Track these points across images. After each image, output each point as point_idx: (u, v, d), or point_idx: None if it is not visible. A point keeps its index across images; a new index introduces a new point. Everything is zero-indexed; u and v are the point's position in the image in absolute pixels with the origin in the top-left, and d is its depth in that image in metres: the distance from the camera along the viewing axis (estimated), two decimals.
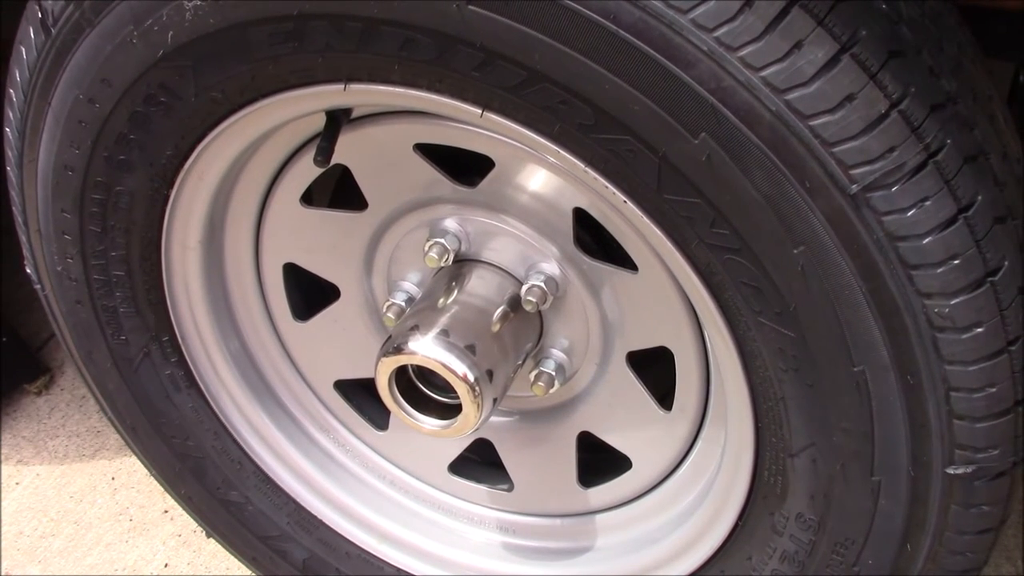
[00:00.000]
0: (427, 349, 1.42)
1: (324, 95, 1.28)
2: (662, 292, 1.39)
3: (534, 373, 1.55)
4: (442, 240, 1.49)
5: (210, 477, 1.83)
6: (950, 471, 1.18)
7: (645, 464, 1.60)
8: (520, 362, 1.53)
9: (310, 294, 1.74)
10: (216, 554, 2.23)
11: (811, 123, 1.01)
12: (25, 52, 1.37)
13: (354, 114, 1.39)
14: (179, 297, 1.65)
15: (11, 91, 1.43)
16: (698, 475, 1.55)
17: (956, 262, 1.06)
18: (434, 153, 1.43)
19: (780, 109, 1.00)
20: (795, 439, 1.25)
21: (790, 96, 1.00)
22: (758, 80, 1.00)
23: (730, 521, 1.44)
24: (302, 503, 1.85)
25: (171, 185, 1.45)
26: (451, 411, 1.49)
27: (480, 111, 1.18)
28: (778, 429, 1.27)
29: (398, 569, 1.83)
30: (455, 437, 1.54)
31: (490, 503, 1.81)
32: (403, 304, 1.58)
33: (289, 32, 1.18)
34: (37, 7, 1.32)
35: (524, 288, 1.47)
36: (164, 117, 1.34)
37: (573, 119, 1.11)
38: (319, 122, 1.39)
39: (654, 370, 1.52)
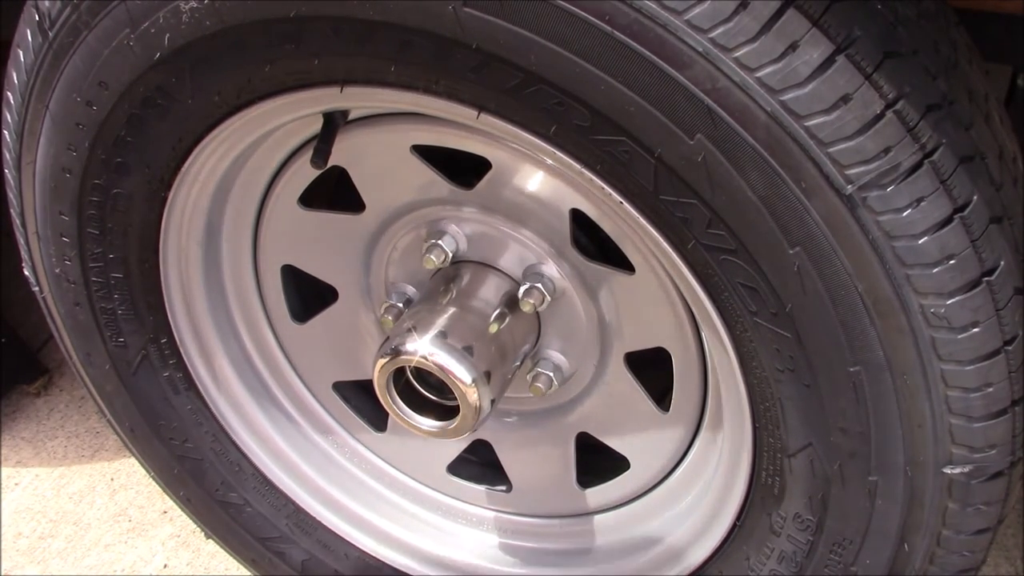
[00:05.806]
0: (425, 351, 1.42)
1: (321, 97, 1.28)
2: (659, 293, 1.39)
3: (532, 374, 1.55)
4: (439, 242, 1.49)
5: (209, 479, 1.83)
6: (947, 471, 1.18)
7: (643, 465, 1.61)
8: (518, 363, 1.53)
9: (308, 296, 1.74)
10: (215, 555, 2.24)
11: (807, 124, 1.01)
12: (23, 54, 1.37)
13: (351, 116, 1.40)
14: (177, 299, 1.65)
15: (8, 94, 1.43)
16: (696, 476, 1.55)
17: (952, 262, 1.06)
18: (431, 155, 1.43)
19: (775, 110, 1.01)
20: (792, 440, 1.25)
21: (785, 97, 1.00)
22: (753, 81, 1.00)
23: (728, 522, 1.45)
24: (301, 505, 1.85)
25: (169, 187, 1.45)
26: (449, 412, 1.49)
27: (477, 113, 1.18)
28: (775, 430, 1.27)
29: (396, 570, 1.83)
30: (453, 438, 1.55)
31: (488, 504, 1.81)
32: (401, 306, 1.58)
33: (286, 34, 1.18)
34: (34, 9, 1.32)
35: (521, 289, 1.47)
36: (161, 120, 1.34)
37: (569, 121, 1.11)
38: (316, 124, 1.39)
39: (652, 371, 1.52)
